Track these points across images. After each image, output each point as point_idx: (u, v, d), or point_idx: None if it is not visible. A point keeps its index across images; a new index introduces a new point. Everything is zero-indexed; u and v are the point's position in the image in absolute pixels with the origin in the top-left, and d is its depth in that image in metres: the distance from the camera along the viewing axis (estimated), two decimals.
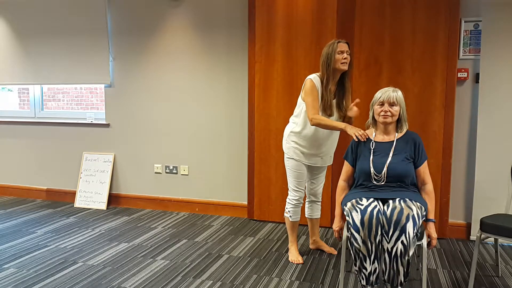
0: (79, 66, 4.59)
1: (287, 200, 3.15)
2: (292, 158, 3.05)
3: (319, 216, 3.29)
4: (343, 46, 2.86)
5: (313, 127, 2.96)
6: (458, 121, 3.60)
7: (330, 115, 2.93)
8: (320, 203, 3.27)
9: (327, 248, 3.30)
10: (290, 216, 3.14)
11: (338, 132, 3.10)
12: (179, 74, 4.31)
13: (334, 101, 2.97)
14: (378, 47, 3.62)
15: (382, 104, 2.52)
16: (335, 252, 3.28)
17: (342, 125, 2.76)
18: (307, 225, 3.92)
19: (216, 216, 4.28)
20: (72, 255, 3.23)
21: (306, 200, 3.29)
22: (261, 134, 3.97)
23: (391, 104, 2.50)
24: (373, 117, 2.60)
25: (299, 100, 3.04)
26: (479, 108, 3.47)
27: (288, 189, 3.17)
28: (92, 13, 4.47)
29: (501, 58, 3.40)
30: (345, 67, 2.88)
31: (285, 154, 3.11)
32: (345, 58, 2.86)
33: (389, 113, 2.50)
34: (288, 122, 3.39)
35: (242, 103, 4.14)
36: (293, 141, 3.04)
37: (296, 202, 3.11)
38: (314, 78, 2.91)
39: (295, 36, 3.81)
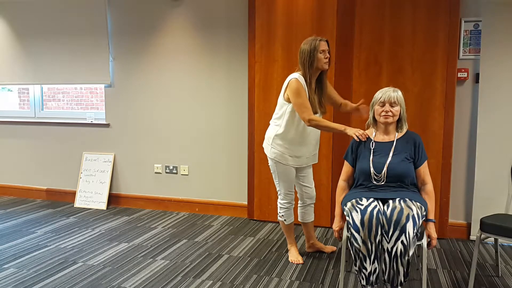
0: (79, 66, 4.59)
1: (279, 204, 3.10)
2: (280, 162, 2.99)
3: (313, 219, 3.24)
4: (324, 45, 2.85)
5: (299, 128, 2.91)
6: (458, 121, 3.60)
7: (315, 113, 2.88)
8: (313, 205, 3.22)
9: (327, 248, 3.29)
10: (285, 220, 3.11)
11: (318, 131, 3.04)
12: (179, 74, 4.31)
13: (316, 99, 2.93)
14: (378, 47, 3.62)
15: (383, 104, 2.52)
16: (335, 249, 3.28)
17: (341, 127, 2.73)
18: None
19: (216, 216, 4.28)
20: (72, 255, 3.23)
21: (300, 204, 3.21)
22: (261, 134, 3.97)
23: (392, 104, 2.50)
24: (374, 117, 2.60)
25: (281, 101, 2.95)
26: (479, 108, 3.47)
27: (277, 192, 3.12)
28: (92, 13, 4.47)
29: (501, 58, 3.40)
30: (327, 67, 2.88)
31: (269, 159, 3.03)
32: (326, 57, 2.86)
33: (390, 113, 2.50)
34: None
35: (242, 103, 4.14)
36: (278, 145, 2.97)
37: (288, 205, 3.08)
38: (299, 77, 2.84)
39: (295, 36, 3.81)
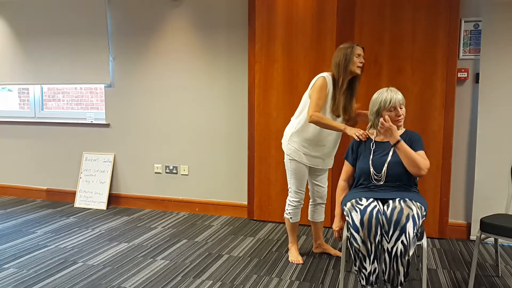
0: (79, 66, 4.59)
1: (288, 201, 3.12)
2: (294, 160, 3.01)
3: (323, 219, 3.24)
4: (360, 50, 2.86)
5: (317, 126, 2.91)
6: (458, 121, 3.60)
7: (338, 116, 2.90)
8: (324, 205, 3.24)
9: (333, 251, 3.26)
10: (291, 217, 3.12)
11: (340, 134, 3.04)
12: (179, 74, 4.31)
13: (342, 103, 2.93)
14: (378, 47, 3.62)
15: (395, 108, 2.49)
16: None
17: (341, 126, 2.74)
18: (307, 225, 3.92)
19: (216, 216, 4.28)
20: (72, 255, 3.23)
21: (311, 203, 3.23)
22: (261, 134, 3.97)
23: (401, 106, 2.51)
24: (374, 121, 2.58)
25: (305, 98, 2.96)
26: (479, 108, 3.47)
27: (288, 190, 3.14)
28: (92, 13, 4.47)
29: (501, 58, 3.40)
30: (359, 71, 2.86)
31: (286, 155, 3.06)
32: (361, 62, 2.86)
33: (401, 116, 2.51)
34: (289, 121, 3.32)
35: (242, 103, 4.14)
36: (295, 142, 2.99)
37: (296, 203, 3.09)
38: (327, 76, 2.87)
39: (295, 36, 3.81)
